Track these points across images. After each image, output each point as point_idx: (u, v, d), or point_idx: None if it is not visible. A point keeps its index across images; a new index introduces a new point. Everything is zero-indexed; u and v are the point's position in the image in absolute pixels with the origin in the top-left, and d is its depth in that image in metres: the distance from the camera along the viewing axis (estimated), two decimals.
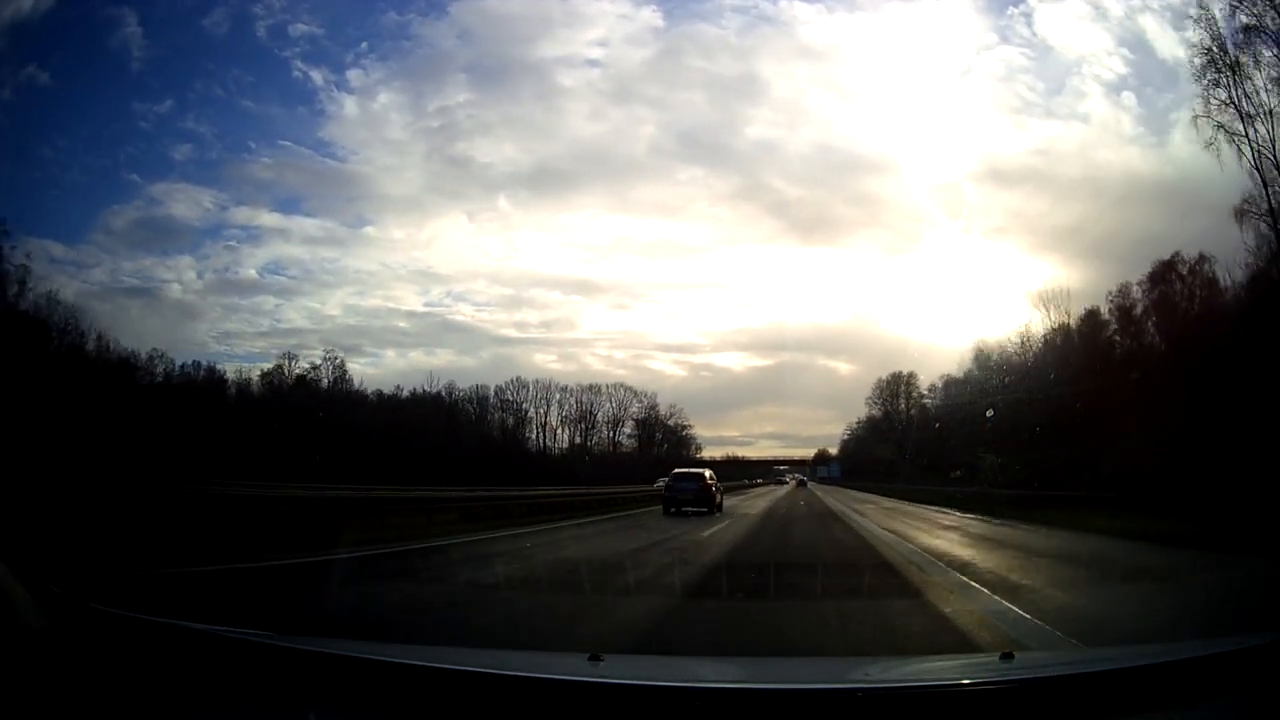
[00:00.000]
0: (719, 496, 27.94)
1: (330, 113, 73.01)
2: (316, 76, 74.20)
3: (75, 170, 64.41)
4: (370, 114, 68.34)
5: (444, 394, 70.94)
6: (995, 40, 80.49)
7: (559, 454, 75.07)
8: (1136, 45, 61.96)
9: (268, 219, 76.29)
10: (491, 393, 75.90)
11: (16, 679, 2.08)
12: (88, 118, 62.02)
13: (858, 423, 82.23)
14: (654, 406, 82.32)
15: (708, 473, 28.43)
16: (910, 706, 2.10)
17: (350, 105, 69.89)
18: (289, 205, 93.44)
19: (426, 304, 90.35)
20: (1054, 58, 70.41)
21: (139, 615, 2.53)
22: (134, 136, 63.31)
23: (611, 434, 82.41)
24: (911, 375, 70.53)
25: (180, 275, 69.46)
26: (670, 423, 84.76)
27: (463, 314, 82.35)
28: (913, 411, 69.78)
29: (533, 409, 77.62)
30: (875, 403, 75.15)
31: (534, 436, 77.92)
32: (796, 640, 6.09)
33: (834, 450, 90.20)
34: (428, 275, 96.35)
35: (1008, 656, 2.67)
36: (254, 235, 76.74)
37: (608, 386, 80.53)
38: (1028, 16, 71.53)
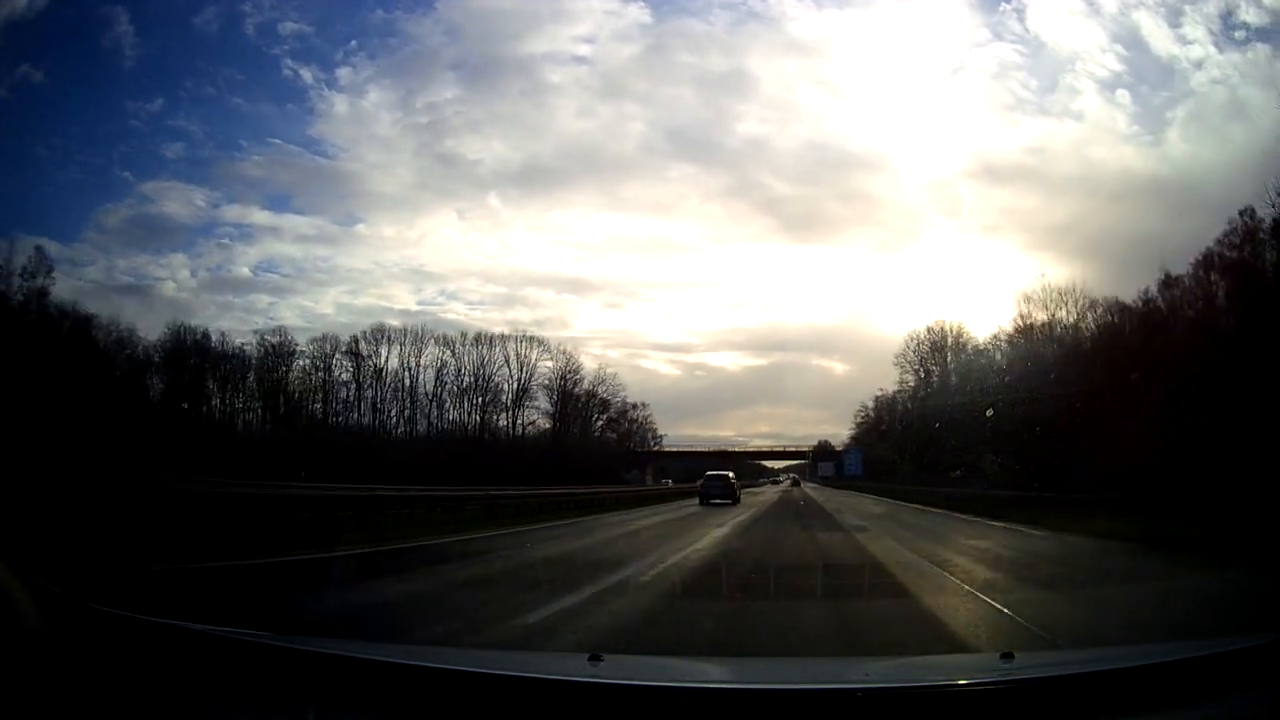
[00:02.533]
0: (738, 492, 38.40)
1: (320, 110, 73.16)
2: (306, 74, 74.45)
3: (69, 169, 64.70)
4: (359, 111, 68.38)
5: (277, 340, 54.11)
6: (988, 37, 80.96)
7: (427, 437, 55.87)
8: (1131, 42, 62.42)
9: (259, 217, 76.21)
10: (340, 346, 57.63)
11: (15, 679, 2.08)
12: (80, 116, 62.59)
13: (876, 398, 68.04)
14: (575, 370, 63.62)
15: (730, 474, 39.62)
16: (910, 706, 2.10)
17: (339, 103, 69.97)
18: (280, 203, 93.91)
19: (420, 303, 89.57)
20: (1047, 54, 70.49)
21: (138, 615, 2.52)
22: (126, 135, 64.22)
23: (513, 411, 61.20)
24: (960, 327, 57.30)
25: (174, 273, 69.71)
26: (601, 394, 65.95)
27: (455, 312, 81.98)
28: (963, 373, 53.14)
29: (406, 373, 58.50)
30: (909, 364, 59.00)
31: (396, 414, 58.57)
32: None
33: (840, 444, 76.07)
34: (420, 274, 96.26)
35: (1008, 656, 2.67)
36: (246, 233, 76.42)
37: (502, 337, 61.96)
38: (1020, 12, 71.73)
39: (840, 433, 76.90)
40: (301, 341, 57.27)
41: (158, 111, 67.79)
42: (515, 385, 62.29)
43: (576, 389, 64.95)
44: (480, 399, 61.07)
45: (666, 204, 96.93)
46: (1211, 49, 52.45)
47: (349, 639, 3.46)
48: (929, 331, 58.71)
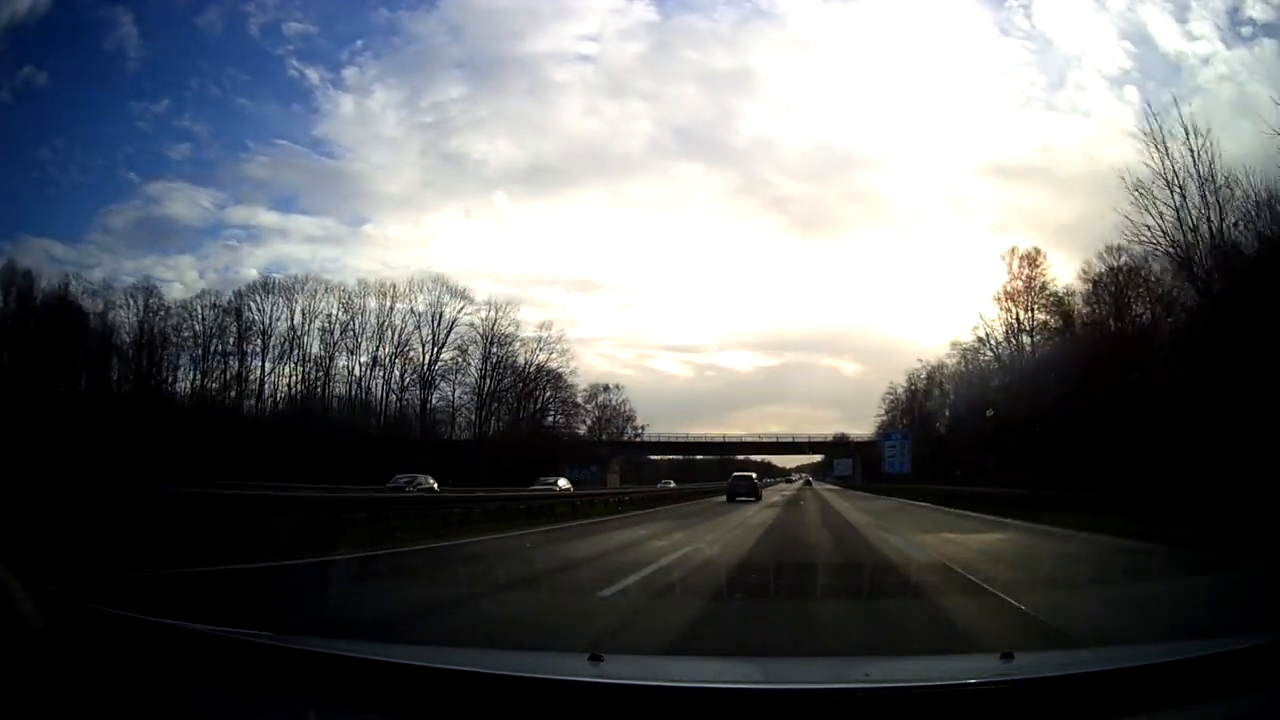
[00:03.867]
0: (760, 490, 42.87)
1: (326, 110, 73.47)
2: (311, 75, 74.78)
3: (74, 170, 65.00)
4: (365, 111, 68.56)
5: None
6: (995, 34, 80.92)
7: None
8: (1138, 38, 62.28)
9: (266, 218, 76.59)
10: (222, 301, 46.34)
11: (16, 679, 2.09)
12: (85, 118, 62.78)
13: (910, 376, 56.55)
14: (512, 323, 49.09)
15: (754, 475, 44.29)
16: (910, 706, 2.10)
17: (345, 103, 70.18)
18: (286, 204, 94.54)
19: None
20: (1054, 51, 70.55)
21: (139, 615, 2.53)
22: (131, 136, 64.29)
23: (426, 384, 47.09)
24: (1037, 253, 46.08)
25: (181, 275, 69.57)
26: (551, 364, 50.61)
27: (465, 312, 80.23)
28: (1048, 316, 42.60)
29: (300, 334, 45.90)
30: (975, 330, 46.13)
31: (296, 386, 46.54)
32: None
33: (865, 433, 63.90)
34: (428, 274, 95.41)
35: (1008, 656, 2.67)
36: (253, 234, 77.15)
37: (410, 288, 49.27)
38: (1026, 8, 71.53)
39: (853, 434, 67.95)
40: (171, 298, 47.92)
41: (163, 112, 68.25)
42: (429, 351, 47.67)
43: (508, 352, 49.51)
44: (389, 369, 47.62)
45: (674, 203, 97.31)
46: (1219, 45, 52.23)
47: (349, 639, 3.47)
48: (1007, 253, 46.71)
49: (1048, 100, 73.26)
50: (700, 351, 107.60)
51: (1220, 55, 52.40)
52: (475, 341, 50.00)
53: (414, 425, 47.34)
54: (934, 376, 54.55)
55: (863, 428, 68.19)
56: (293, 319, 48.48)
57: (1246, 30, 51.62)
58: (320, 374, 48.72)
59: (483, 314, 50.22)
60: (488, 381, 49.97)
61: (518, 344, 51.16)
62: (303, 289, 48.97)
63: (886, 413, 63.18)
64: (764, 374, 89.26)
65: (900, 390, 61.26)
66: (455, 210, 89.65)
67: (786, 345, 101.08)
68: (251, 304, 48.45)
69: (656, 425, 61.14)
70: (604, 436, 56.19)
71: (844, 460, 70.89)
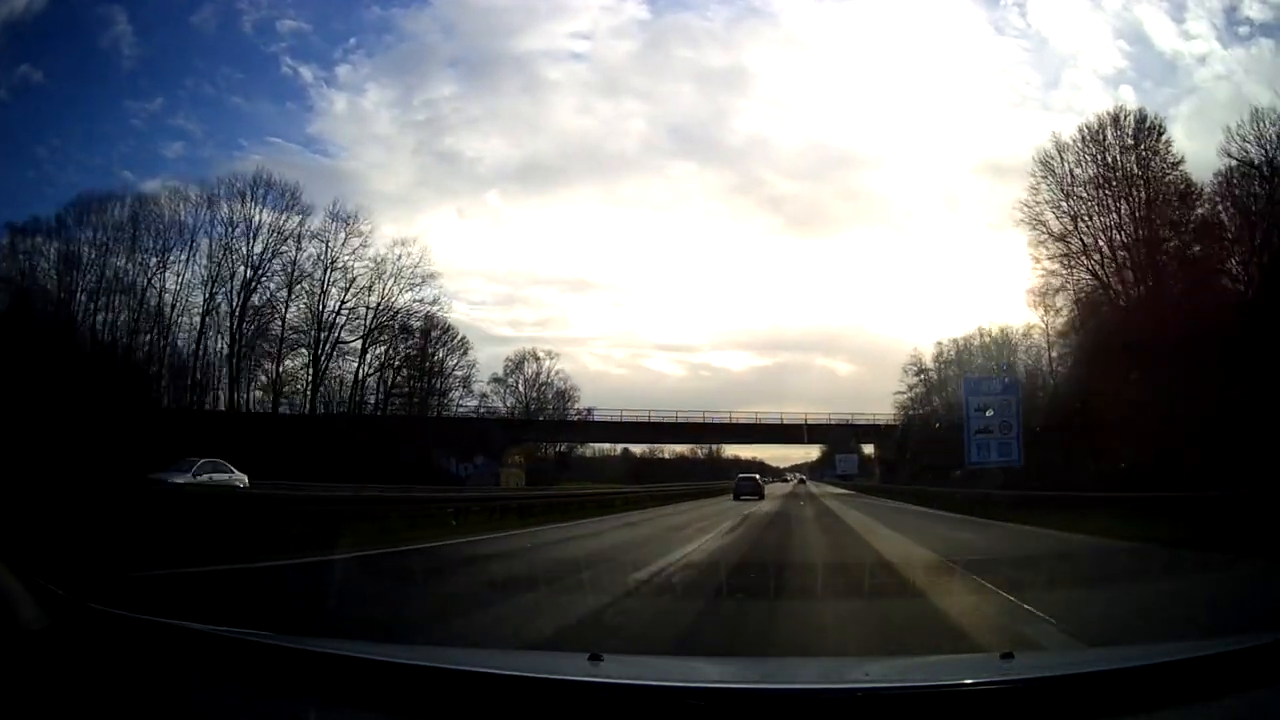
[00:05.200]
0: (764, 490, 45.24)
1: (319, 108, 72.84)
2: (305, 73, 73.78)
3: (70, 168, 64.09)
4: (358, 109, 67.99)
5: None
6: (990, 32, 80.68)
7: None
8: (1134, 37, 62.07)
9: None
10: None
11: (16, 679, 2.08)
12: (80, 116, 61.67)
13: (939, 346, 44.28)
14: (362, 243, 36.92)
15: (758, 476, 48.27)
16: (910, 706, 2.10)
17: (338, 101, 69.50)
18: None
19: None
20: (1049, 50, 70.54)
21: (139, 615, 2.53)
22: (126, 134, 63.05)
23: (239, 335, 35.63)
24: (1157, 121, 31.30)
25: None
26: (402, 303, 38.06)
27: (457, 312, 79.20)
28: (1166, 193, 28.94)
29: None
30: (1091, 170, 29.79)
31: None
32: None
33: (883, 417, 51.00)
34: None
35: (1008, 656, 2.67)
36: None
37: (226, 186, 36.77)
38: (1021, 7, 71.34)
39: (866, 415, 55.04)
40: None
41: (157, 111, 67.06)
42: (246, 283, 35.30)
43: (358, 287, 35.62)
44: (210, 310, 35.55)
45: (669, 202, 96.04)
46: (1215, 44, 51.86)
47: (349, 639, 3.47)
48: (1112, 118, 30.15)
49: (1043, 99, 72.99)
50: (694, 351, 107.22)
51: (1217, 55, 52.16)
52: (302, 267, 36.91)
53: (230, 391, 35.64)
54: (984, 331, 41.93)
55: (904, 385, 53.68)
56: (93, 242, 38.47)
57: (1244, 30, 51.40)
58: (141, 316, 38.96)
59: (325, 230, 36.45)
60: (327, 332, 36.87)
61: (364, 271, 37.95)
62: (122, 205, 39.11)
63: (909, 388, 49.91)
64: (758, 374, 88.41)
65: (928, 357, 47.87)
66: (448, 209, 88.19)
67: (781, 345, 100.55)
68: (68, 227, 38.18)
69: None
70: (541, 418, 43.50)
71: (848, 456, 59.11)
